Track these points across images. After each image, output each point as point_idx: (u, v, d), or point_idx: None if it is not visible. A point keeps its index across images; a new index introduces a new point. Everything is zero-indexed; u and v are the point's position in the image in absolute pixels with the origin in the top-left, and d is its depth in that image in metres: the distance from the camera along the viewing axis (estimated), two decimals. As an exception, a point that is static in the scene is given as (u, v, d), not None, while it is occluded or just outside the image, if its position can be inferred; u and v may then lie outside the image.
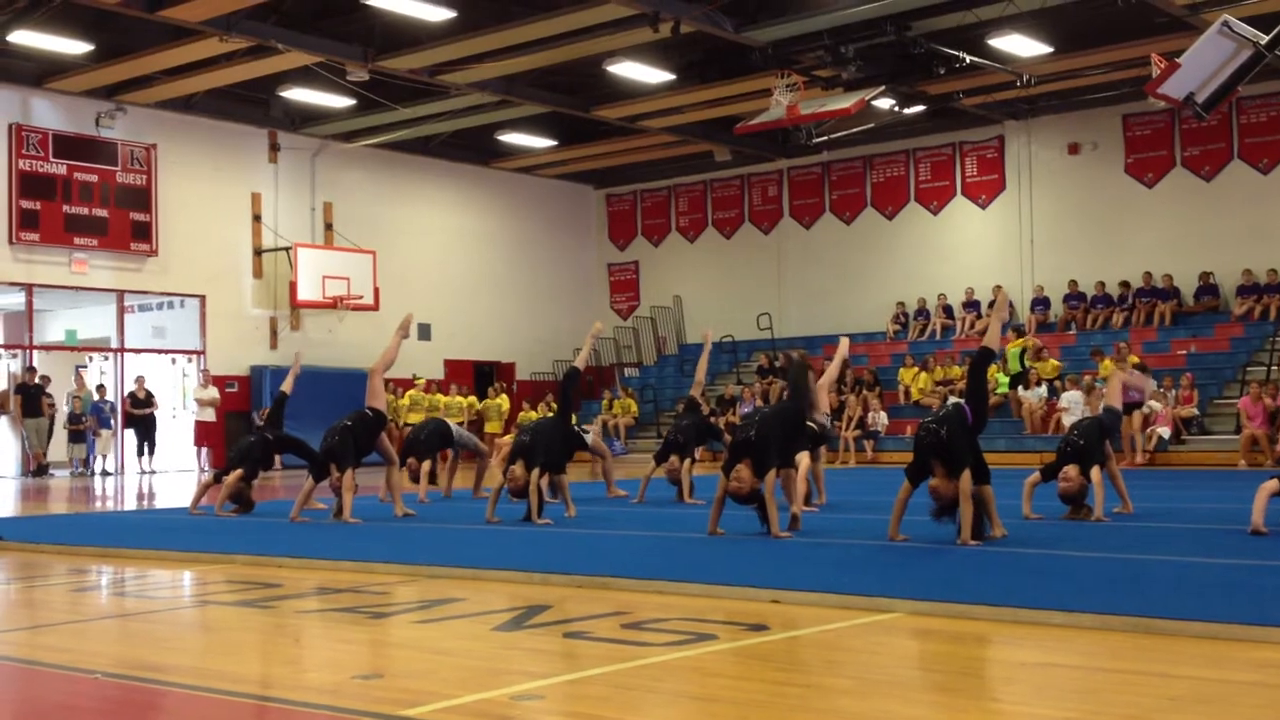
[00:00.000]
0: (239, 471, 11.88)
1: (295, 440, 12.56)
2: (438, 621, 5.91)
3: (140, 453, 23.10)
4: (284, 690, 4.58)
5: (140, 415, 23.07)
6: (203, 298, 24.46)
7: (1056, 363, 22.33)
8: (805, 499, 10.18)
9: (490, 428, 25.84)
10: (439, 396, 25.74)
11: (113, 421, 23.09)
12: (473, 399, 26.42)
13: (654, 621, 5.68)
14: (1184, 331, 23.09)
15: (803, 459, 9.79)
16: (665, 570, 7.03)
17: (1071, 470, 9.37)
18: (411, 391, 25.20)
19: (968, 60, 20.84)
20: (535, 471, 10.09)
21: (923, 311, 26.42)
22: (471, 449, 14.32)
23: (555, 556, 7.93)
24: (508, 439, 24.95)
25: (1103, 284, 24.45)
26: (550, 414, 10.77)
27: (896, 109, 23.63)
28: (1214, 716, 4.01)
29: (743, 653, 5.05)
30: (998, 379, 22.36)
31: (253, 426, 23.45)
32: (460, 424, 25.46)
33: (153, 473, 22.89)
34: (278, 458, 14.73)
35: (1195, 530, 8.98)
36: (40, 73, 21.91)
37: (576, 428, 11.67)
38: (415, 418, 24.88)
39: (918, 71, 21.53)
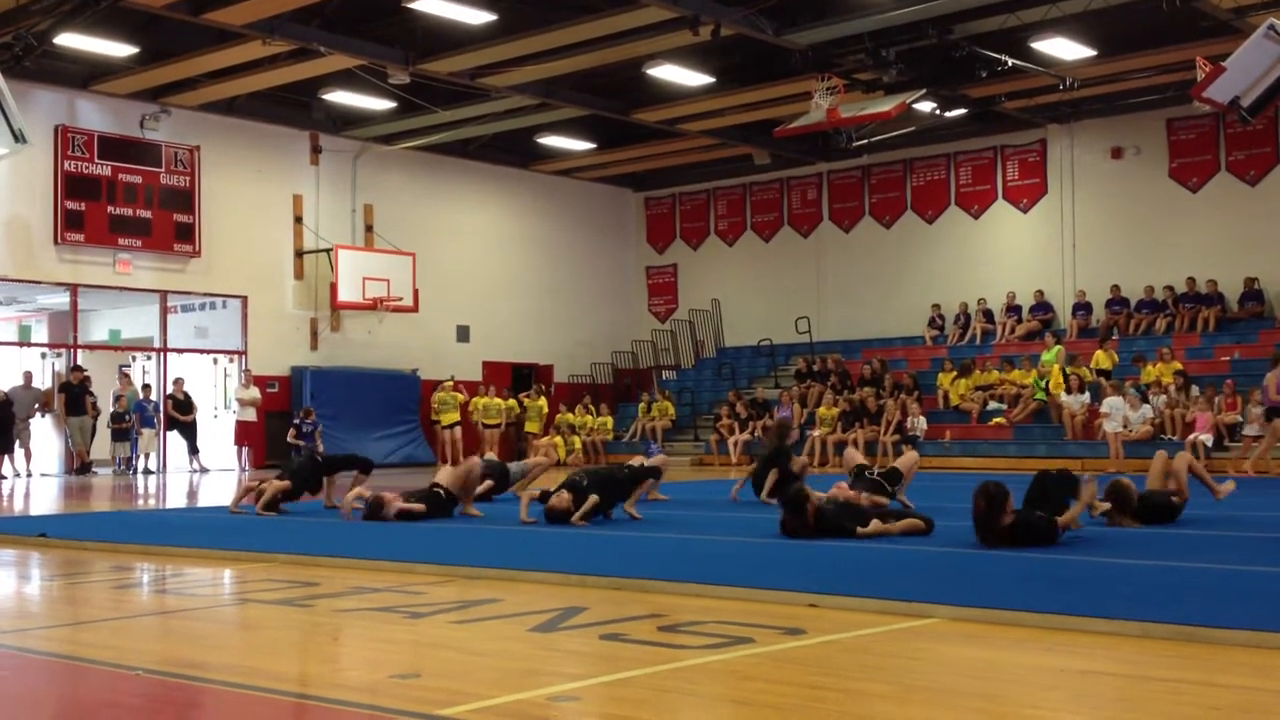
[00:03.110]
0: (286, 484, 12.03)
1: (344, 457, 12.76)
2: (475, 622, 5.93)
3: (191, 452, 23.38)
4: (322, 688, 4.60)
5: (182, 420, 23.29)
6: (244, 298, 24.65)
7: (1105, 354, 22.14)
8: None
9: (530, 427, 25.95)
10: (479, 399, 25.83)
11: (156, 421, 23.30)
12: (512, 402, 26.49)
13: (691, 624, 5.68)
14: (1228, 337, 22.84)
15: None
16: (703, 573, 7.02)
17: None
18: (440, 394, 25.26)
19: (1010, 63, 20.70)
20: (585, 507, 10.10)
21: (963, 316, 26.25)
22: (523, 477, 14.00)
23: (592, 558, 7.94)
24: (545, 441, 25.19)
25: (1147, 289, 24.22)
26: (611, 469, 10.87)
27: (938, 112, 23.52)
28: (1258, 726, 3.96)
29: (780, 657, 5.03)
30: (1035, 385, 22.23)
31: (292, 427, 23.75)
32: (498, 425, 25.70)
33: (197, 471, 23.09)
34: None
35: (1239, 538, 8.88)
36: (86, 75, 22.15)
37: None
38: (449, 418, 25.03)
39: (959, 74, 21.42)
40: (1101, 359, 22.03)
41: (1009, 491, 8.06)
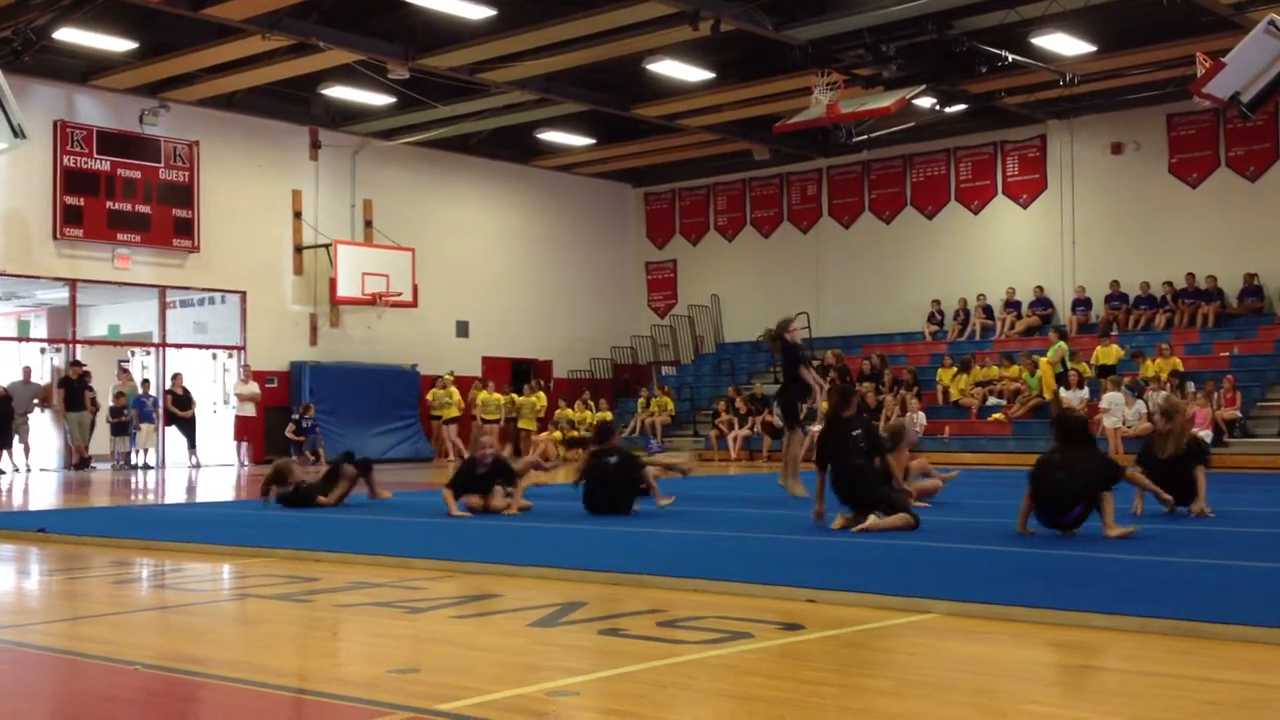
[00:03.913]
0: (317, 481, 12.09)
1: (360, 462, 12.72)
2: (474, 617, 5.94)
3: (190, 448, 23.37)
4: (321, 683, 4.61)
5: (181, 416, 23.28)
6: (243, 294, 24.64)
7: (1105, 350, 22.18)
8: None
9: (524, 424, 25.92)
10: (476, 393, 25.81)
11: (155, 416, 23.30)
12: (513, 396, 26.49)
13: (690, 619, 5.68)
14: (1227, 333, 22.83)
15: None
16: (702, 569, 7.02)
17: None
18: (437, 390, 25.25)
19: (1010, 59, 20.69)
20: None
21: (962, 311, 26.24)
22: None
23: (592, 554, 7.94)
24: (544, 436, 25.19)
25: (1145, 285, 24.22)
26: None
27: (937, 108, 23.50)
28: (1255, 722, 3.97)
29: (778, 652, 5.04)
30: (1029, 383, 22.22)
31: (292, 422, 23.74)
32: (497, 420, 25.69)
33: (195, 466, 23.08)
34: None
35: (1237, 533, 8.88)
36: (85, 70, 22.14)
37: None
38: (448, 414, 25.03)
39: (959, 70, 21.40)
40: (1103, 354, 22.05)
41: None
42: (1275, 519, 10.15)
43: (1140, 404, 19.92)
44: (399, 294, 25.63)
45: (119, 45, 20.75)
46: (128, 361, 24.71)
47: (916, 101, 22.26)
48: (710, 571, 6.87)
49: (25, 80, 20.76)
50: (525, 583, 7.00)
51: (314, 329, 25.62)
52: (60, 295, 23.85)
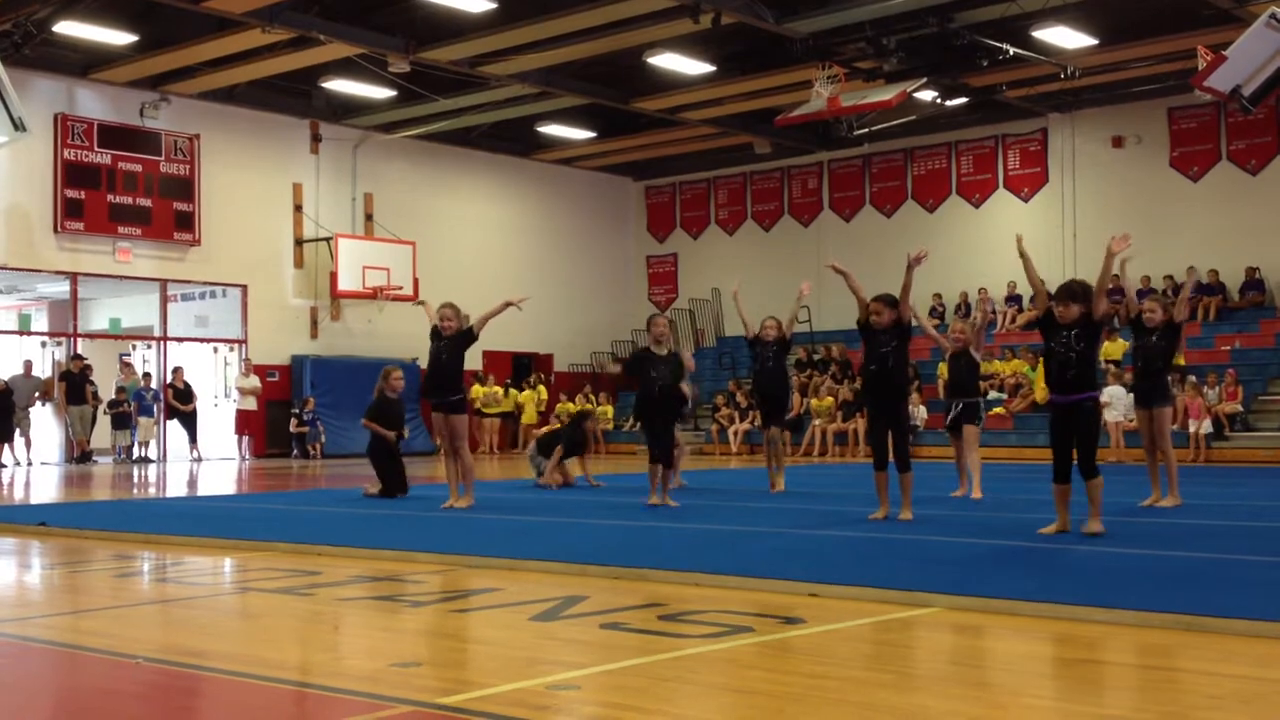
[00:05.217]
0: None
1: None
2: (475, 611, 5.94)
3: (191, 442, 23.37)
4: (323, 677, 4.61)
5: (182, 409, 23.28)
6: (244, 287, 24.65)
7: (1123, 342, 22.20)
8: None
9: (527, 419, 25.93)
10: (477, 387, 25.81)
11: (155, 410, 23.29)
12: (514, 392, 26.47)
13: (691, 614, 5.68)
14: (1229, 327, 22.84)
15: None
16: (703, 563, 7.02)
17: None
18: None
19: (1011, 52, 20.67)
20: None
21: (964, 305, 26.22)
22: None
23: (592, 548, 7.94)
24: (544, 431, 25.14)
25: (1146, 279, 24.17)
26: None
27: (938, 101, 23.49)
28: (1256, 716, 3.96)
29: (779, 646, 5.04)
30: (1030, 377, 22.20)
31: (293, 416, 23.74)
32: (498, 414, 25.74)
33: (199, 460, 23.08)
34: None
35: (1239, 527, 8.88)
36: (85, 63, 22.12)
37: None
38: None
39: (960, 63, 21.39)
40: (1111, 350, 22.00)
41: None
42: (1276, 512, 10.16)
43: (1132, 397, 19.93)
44: (400, 287, 25.62)
45: (119, 38, 20.74)
46: (129, 355, 24.72)
47: (917, 95, 22.26)
48: (711, 565, 6.87)
49: (26, 73, 20.75)
50: (526, 577, 7.00)
51: (315, 322, 25.62)
52: (61, 289, 23.85)
